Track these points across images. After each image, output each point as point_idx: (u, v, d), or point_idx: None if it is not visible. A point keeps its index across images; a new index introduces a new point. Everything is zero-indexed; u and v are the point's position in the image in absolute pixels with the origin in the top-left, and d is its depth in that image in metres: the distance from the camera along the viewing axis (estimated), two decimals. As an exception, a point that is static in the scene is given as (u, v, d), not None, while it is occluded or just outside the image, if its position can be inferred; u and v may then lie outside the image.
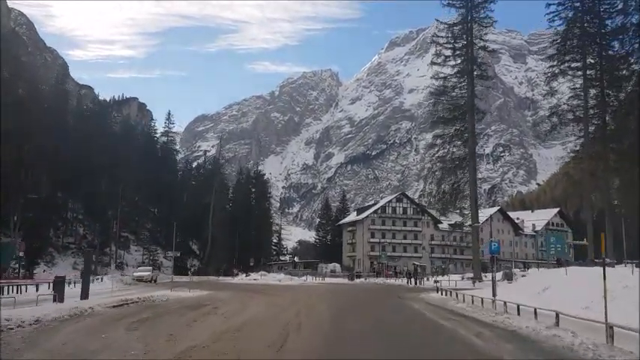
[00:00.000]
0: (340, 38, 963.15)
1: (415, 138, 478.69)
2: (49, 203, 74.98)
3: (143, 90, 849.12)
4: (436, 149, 50.31)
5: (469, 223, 51.09)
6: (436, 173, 51.94)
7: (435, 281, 52.12)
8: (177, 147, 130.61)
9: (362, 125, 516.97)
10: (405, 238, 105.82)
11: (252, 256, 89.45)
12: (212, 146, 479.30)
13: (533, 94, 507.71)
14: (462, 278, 49.85)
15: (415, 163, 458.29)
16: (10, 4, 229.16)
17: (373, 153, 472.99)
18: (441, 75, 51.34)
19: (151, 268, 48.68)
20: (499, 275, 51.71)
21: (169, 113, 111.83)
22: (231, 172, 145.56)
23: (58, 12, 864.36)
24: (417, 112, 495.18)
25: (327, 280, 67.18)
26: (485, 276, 49.55)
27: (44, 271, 68.63)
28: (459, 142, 49.47)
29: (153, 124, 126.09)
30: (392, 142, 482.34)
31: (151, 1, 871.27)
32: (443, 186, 50.28)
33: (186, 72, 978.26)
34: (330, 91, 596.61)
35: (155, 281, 46.46)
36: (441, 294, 28.96)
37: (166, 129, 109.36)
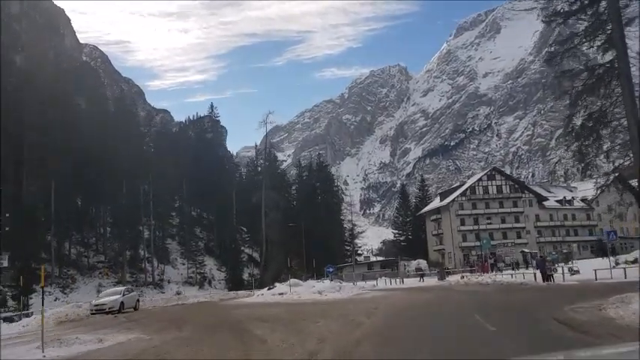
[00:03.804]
0: (404, 33, 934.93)
1: (495, 123, 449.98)
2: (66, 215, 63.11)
3: (219, 110, 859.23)
4: (558, 60, 31.58)
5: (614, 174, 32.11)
6: (564, 101, 33.24)
7: (572, 272, 33.99)
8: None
9: (437, 116, 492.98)
10: (503, 222, 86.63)
11: (315, 259, 73.02)
12: (288, 155, 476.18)
13: None
14: (617, 263, 31.21)
15: (498, 148, 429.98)
16: (87, 40, 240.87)
17: (452, 143, 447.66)
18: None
19: (121, 290, 32.09)
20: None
21: (212, 105, 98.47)
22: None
23: (135, 47, 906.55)
24: (494, 95, 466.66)
25: (408, 282, 50.13)
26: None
27: (56, 299, 56.03)
28: (595, 46, 30.77)
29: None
30: (470, 129, 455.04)
31: (216, 26, 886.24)
32: (575, 119, 31.65)
33: (257, 88, 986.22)
34: (400, 86, 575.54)
35: (135, 309, 31.16)
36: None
37: (209, 122, 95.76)
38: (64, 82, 79.18)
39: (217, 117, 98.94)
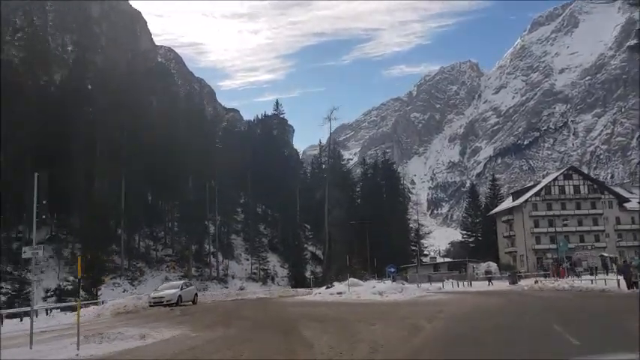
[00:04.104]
0: (475, 30, 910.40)
1: (572, 121, 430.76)
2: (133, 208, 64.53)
3: (287, 109, 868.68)
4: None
5: None
6: None
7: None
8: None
9: (510, 114, 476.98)
10: (580, 224, 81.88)
11: (378, 258, 71.41)
12: (354, 154, 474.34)
13: None
14: None
15: (575, 148, 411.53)
16: (163, 42, 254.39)
17: (525, 142, 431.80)
18: None
19: (180, 283, 31.90)
20: None
21: (277, 102, 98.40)
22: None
23: (208, 48, 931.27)
24: (571, 92, 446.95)
25: (477, 285, 47.82)
26: None
27: (124, 290, 57.23)
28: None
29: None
30: (545, 128, 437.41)
31: (285, 25, 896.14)
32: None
33: (325, 87, 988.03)
34: (471, 83, 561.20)
35: (193, 302, 30.93)
36: None
37: (275, 120, 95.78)
38: (139, 81, 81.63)
39: (282, 114, 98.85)
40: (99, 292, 48.73)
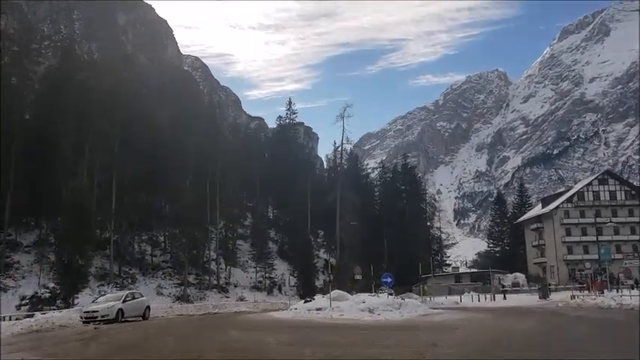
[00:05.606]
0: (502, 39, 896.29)
1: (603, 130, 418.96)
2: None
3: (312, 118, 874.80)
4: None
5: None
6: None
7: None
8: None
9: (538, 124, 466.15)
10: (616, 233, 74.73)
11: (397, 268, 65.38)
12: (379, 162, 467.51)
13: None
14: None
15: (606, 158, 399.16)
16: (192, 53, 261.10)
17: (554, 152, 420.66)
18: None
19: (122, 295, 25.45)
20: None
21: (290, 101, 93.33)
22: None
23: (235, 59, 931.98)
24: (601, 101, 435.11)
25: (501, 299, 41.74)
26: None
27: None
28: None
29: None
30: (575, 137, 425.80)
31: (311, 36, 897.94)
32: None
33: (350, 96, 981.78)
34: (498, 92, 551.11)
35: (144, 317, 25.54)
36: None
37: (288, 120, 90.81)
38: (144, 78, 78.07)
39: (295, 113, 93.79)
40: (75, 301, 43.84)
